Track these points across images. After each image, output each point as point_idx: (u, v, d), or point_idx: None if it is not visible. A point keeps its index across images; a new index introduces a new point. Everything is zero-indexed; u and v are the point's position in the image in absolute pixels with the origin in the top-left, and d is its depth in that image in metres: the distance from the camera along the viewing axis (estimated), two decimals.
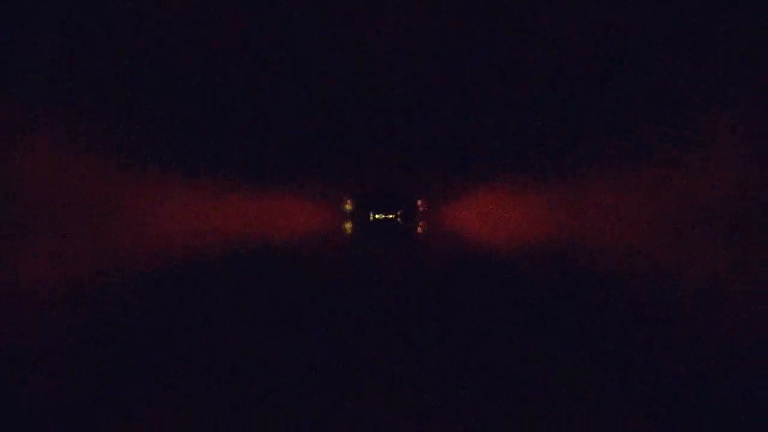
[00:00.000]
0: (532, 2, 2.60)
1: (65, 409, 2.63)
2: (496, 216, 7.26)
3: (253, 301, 5.96)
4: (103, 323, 3.10)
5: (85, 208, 2.99)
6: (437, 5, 2.67)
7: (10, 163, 2.35)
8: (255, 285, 6.20)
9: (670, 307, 2.88)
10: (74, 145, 2.86)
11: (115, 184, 3.33)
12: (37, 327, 2.51)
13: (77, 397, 2.75)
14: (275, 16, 2.80)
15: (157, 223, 3.81)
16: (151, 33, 2.95)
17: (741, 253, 2.28)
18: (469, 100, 4.75)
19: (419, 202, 18.55)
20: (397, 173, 11.59)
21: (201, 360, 3.63)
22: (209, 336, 4.30)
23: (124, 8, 2.61)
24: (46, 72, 2.56)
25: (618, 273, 3.53)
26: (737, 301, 2.31)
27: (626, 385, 3.12)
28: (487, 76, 3.98)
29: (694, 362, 2.65)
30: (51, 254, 2.64)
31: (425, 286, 7.61)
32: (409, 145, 7.43)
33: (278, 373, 3.35)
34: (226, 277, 5.23)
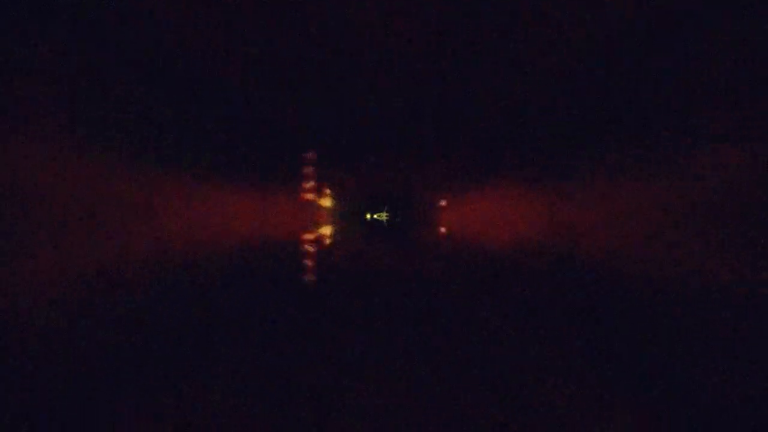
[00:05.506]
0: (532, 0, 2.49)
1: (70, 408, 2.56)
2: (482, 214, 7.81)
3: (254, 296, 5.84)
4: (111, 322, 3.04)
5: (94, 209, 2.92)
6: (436, 9, 2.61)
7: (22, 164, 2.28)
8: (257, 281, 6.08)
9: (669, 307, 2.82)
10: (82, 146, 2.77)
11: (128, 185, 3.25)
12: (50, 324, 2.45)
13: (83, 396, 2.70)
14: (280, 18, 2.71)
15: (158, 223, 3.74)
16: (155, 32, 2.88)
17: (742, 253, 2.24)
18: (467, 102, 4.65)
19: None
20: (394, 175, 11.94)
21: (206, 357, 3.57)
22: (213, 334, 4.24)
23: (125, 7, 2.55)
24: (53, 73, 2.49)
25: (616, 273, 3.45)
26: (738, 301, 2.28)
27: (626, 384, 3.02)
28: (485, 79, 3.90)
29: (693, 362, 2.61)
30: (59, 254, 2.57)
31: (420, 276, 8.02)
32: (406, 148, 7.52)
33: (280, 370, 3.31)
34: (228, 276, 5.13)
